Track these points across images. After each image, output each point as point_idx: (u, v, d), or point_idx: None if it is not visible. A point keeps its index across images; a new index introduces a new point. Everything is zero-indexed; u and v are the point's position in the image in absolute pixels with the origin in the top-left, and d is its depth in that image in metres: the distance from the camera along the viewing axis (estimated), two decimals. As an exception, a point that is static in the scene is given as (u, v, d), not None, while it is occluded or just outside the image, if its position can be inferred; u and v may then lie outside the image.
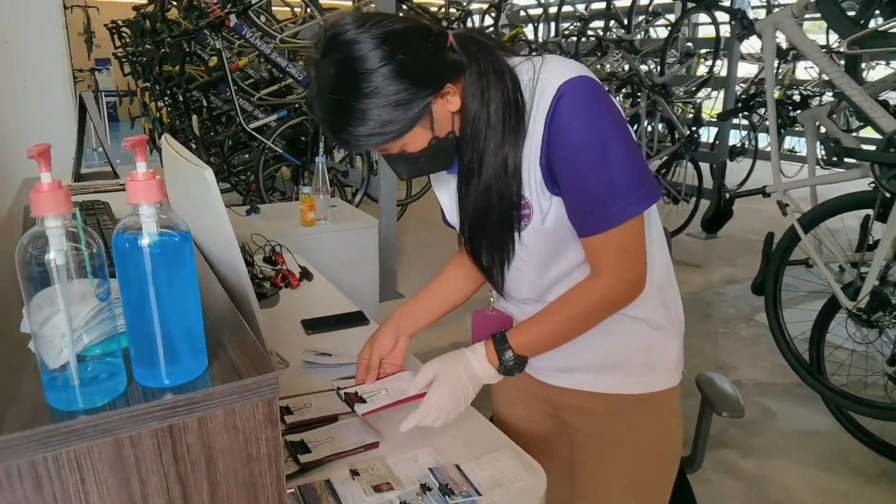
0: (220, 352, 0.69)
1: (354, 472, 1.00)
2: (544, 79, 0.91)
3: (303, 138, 3.96)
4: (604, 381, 1.11)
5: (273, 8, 6.37)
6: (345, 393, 1.17)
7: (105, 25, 8.49)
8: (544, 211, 0.96)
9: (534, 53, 0.95)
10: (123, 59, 7.93)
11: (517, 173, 0.94)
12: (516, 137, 0.92)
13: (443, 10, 6.46)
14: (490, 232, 1.00)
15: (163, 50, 4.56)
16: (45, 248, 0.55)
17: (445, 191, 1.14)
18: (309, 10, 4.61)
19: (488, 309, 1.18)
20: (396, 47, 0.84)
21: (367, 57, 0.83)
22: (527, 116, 0.92)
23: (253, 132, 3.80)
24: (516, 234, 0.99)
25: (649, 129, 5.51)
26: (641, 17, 6.80)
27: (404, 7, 5.08)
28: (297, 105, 3.95)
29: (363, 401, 1.13)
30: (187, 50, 4.45)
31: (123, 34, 7.84)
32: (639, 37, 6.59)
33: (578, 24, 6.86)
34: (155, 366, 0.62)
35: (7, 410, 0.57)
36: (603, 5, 6.81)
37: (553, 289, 1.06)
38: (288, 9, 6.23)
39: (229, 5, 3.71)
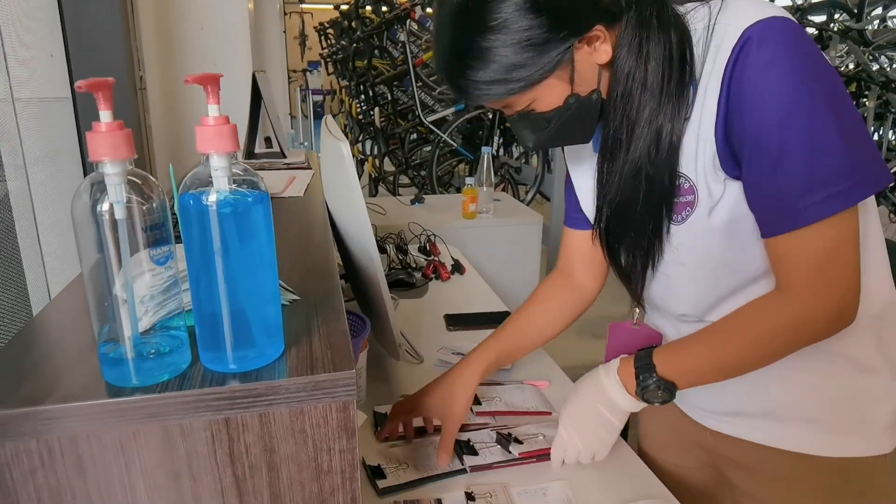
0: (303, 338, 0.58)
1: (470, 497, 0.86)
2: (724, 23, 0.68)
3: (480, 133, 3.90)
4: (785, 435, 0.84)
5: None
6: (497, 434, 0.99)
7: (314, 28, 9.23)
8: (714, 199, 0.73)
9: None
10: (327, 59, 8.53)
11: (674, 151, 0.73)
12: (677, 105, 0.71)
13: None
14: (634, 224, 0.79)
15: (354, 45, 4.77)
16: (101, 198, 0.48)
17: (587, 170, 0.91)
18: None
19: (631, 321, 0.95)
20: None
21: None
22: (697, 76, 0.71)
23: (430, 125, 3.82)
24: (665, 229, 0.78)
25: (877, 135, 4.69)
26: (874, 6, 5.83)
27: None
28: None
29: (520, 442, 0.96)
30: (376, 44, 4.61)
31: (329, 35, 8.44)
32: (870, 27, 5.65)
33: (796, 14, 6.07)
34: (220, 348, 0.53)
35: (61, 381, 0.51)
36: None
37: (721, 307, 0.81)
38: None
39: (416, -2, 3.75)
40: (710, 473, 0.95)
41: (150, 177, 0.50)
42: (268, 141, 1.91)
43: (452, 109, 3.88)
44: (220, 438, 0.52)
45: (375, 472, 0.90)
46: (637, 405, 0.84)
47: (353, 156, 4.86)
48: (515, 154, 4.83)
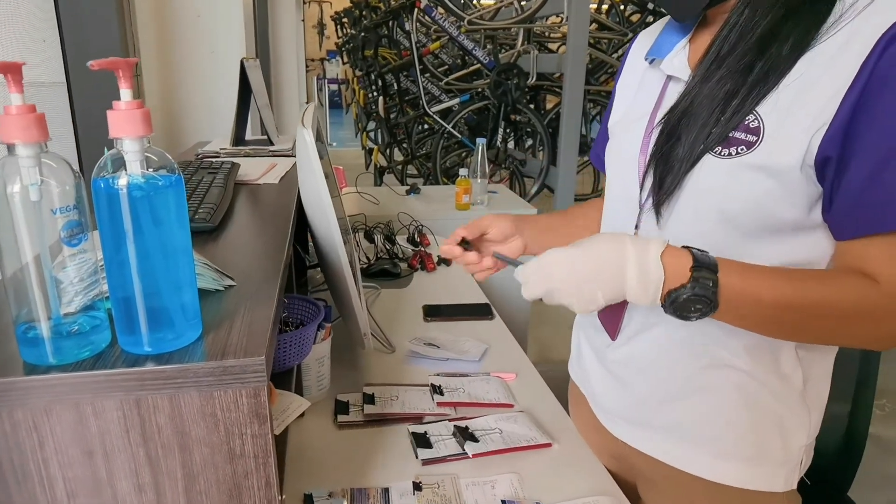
0: (225, 323, 0.59)
1: (417, 486, 0.87)
2: (879, 3, 0.62)
3: (486, 124, 3.89)
4: (685, 455, 0.81)
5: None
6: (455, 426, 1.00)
7: (331, 17, 9.23)
8: (774, 149, 0.65)
9: None
10: (342, 49, 8.53)
11: (762, 88, 0.66)
12: (800, 38, 0.65)
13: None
14: (692, 131, 0.71)
15: (363, 35, 4.78)
16: (13, 180, 0.49)
17: (636, 83, 0.86)
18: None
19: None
20: None
21: None
22: (826, 26, 0.65)
23: (434, 115, 3.81)
24: (700, 149, 0.70)
25: None
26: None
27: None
28: (480, 90, 3.88)
29: (475, 439, 0.96)
30: (383, 34, 4.60)
31: (344, 24, 8.44)
32: None
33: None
34: (135, 329, 0.53)
35: (-21, 357, 0.52)
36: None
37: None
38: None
39: (423, -12, 3.74)
40: (624, 485, 0.92)
41: (66, 160, 0.51)
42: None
43: (458, 100, 3.87)
44: (131, 418, 0.53)
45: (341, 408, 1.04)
46: (646, 300, 0.66)
47: (363, 146, 4.86)
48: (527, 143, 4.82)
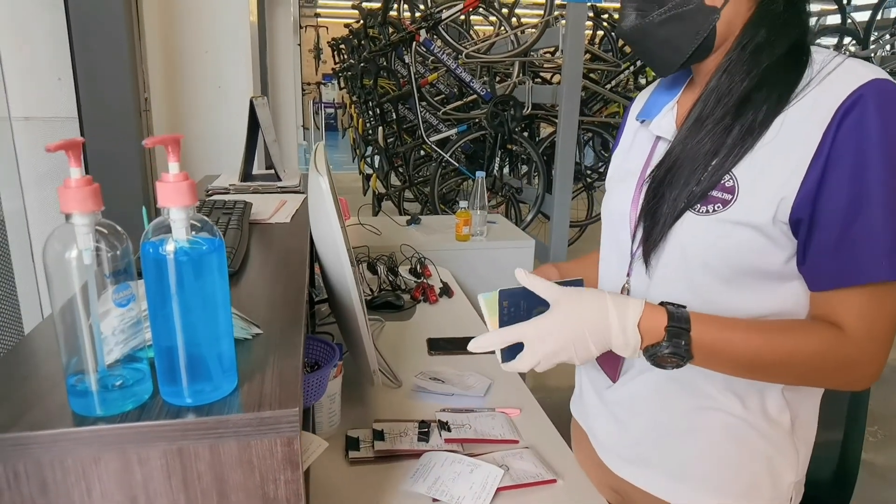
0: (257, 374, 0.63)
1: (429, 520, 0.90)
2: (841, 72, 0.69)
3: (483, 152, 3.96)
4: (680, 491, 0.86)
5: (478, 27, 6.54)
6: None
7: (328, 42, 9.37)
8: (748, 207, 0.71)
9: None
10: (339, 75, 8.65)
11: (740, 150, 0.72)
12: (773, 103, 0.71)
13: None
14: (675, 188, 0.77)
15: (362, 66, 4.87)
16: (70, 246, 0.53)
17: (633, 141, 0.91)
18: (502, 27, 4.62)
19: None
20: None
21: None
22: (797, 90, 0.71)
23: (433, 144, 3.88)
24: (682, 204, 0.75)
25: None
26: (882, 32, 5.87)
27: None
28: (476, 120, 3.96)
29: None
30: (382, 65, 4.70)
31: (341, 50, 8.56)
32: (877, 55, 5.69)
33: (803, 40, 6.09)
34: (176, 382, 0.57)
35: (31, 410, 0.56)
36: (837, 19, 6.00)
37: None
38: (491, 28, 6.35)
39: (421, 21, 3.83)
40: None
41: (117, 226, 0.55)
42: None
43: (455, 130, 3.94)
44: (174, 466, 0.56)
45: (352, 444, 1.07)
46: (632, 354, 0.74)
47: (360, 171, 4.89)
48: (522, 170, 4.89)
